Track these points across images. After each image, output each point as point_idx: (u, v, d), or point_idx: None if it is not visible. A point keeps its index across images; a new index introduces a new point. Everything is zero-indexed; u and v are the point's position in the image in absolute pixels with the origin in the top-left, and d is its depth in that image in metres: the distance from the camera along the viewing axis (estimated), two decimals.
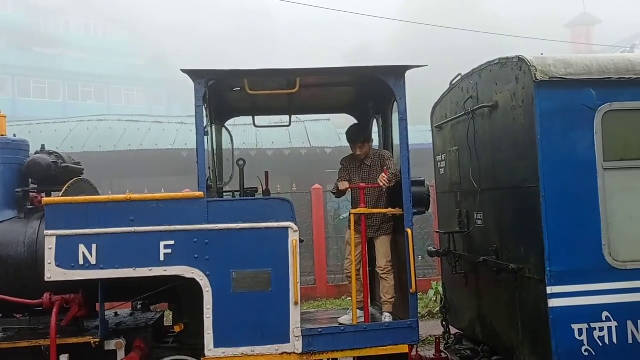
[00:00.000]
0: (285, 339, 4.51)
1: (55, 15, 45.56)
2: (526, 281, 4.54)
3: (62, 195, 4.75)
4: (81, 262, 4.42)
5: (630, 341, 4.30)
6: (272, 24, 49.42)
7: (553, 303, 4.22)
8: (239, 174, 5.46)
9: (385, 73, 4.79)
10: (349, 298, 5.45)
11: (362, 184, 5.06)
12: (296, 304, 4.51)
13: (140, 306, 5.59)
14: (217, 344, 4.45)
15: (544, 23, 35.44)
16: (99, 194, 5.34)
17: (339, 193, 5.26)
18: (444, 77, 6.31)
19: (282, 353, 4.51)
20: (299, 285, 4.54)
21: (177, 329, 4.94)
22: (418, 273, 5.22)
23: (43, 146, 5.35)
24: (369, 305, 5.14)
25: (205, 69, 4.59)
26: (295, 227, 4.58)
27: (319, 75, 5.12)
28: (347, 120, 6.11)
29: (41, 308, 4.73)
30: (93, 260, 4.42)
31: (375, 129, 6.13)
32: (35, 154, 5.22)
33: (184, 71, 4.57)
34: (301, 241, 4.76)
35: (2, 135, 5.22)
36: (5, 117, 5.41)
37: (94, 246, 4.43)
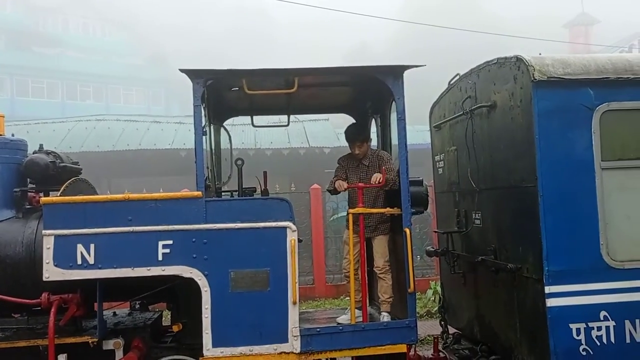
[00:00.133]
0: (284, 339, 4.51)
1: (53, 15, 45.55)
2: (524, 281, 4.55)
3: (60, 195, 4.75)
4: (79, 261, 4.41)
5: (628, 340, 4.31)
6: (270, 24, 49.44)
7: (551, 302, 4.22)
8: (238, 174, 5.46)
9: (384, 73, 4.78)
10: (348, 298, 5.46)
11: (360, 184, 5.06)
12: (294, 303, 4.51)
13: (138, 306, 5.58)
14: (216, 343, 4.45)
15: (542, 23, 35.49)
16: (97, 194, 5.34)
17: (335, 191, 5.26)
18: (443, 77, 6.31)
19: (281, 353, 4.51)
20: (297, 285, 4.54)
21: (175, 328, 4.94)
22: (416, 273, 5.22)
23: (41, 146, 5.34)
24: (367, 305, 5.15)
25: (204, 68, 4.58)
26: (294, 227, 4.58)
27: (317, 75, 5.12)
28: (345, 120, 6.12)
29: (39, 308, 4.72)
30: (91, 260, 4.42)
31: (373, 128, 6.13)
32: (33, 153, 5.21)
33: (182, 71, 4.57)
34: (300, 241, 4.76)
35: (0, 135, 5.22)
36: (4, 116, 5.40)
37: (92, 246, 4.42)
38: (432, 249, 6.55)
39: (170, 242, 4.46)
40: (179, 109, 37.80)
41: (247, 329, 4.49)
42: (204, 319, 4.45)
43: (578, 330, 4.27)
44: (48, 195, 5.02)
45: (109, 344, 4.74)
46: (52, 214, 4.47)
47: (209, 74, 4.61)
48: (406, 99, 4.79)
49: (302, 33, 47.22)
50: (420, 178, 5.26)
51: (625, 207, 4.41)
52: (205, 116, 5.19)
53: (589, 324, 4.28)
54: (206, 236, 4.49)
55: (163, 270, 4.46)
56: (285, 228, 4.56)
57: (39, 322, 4.78)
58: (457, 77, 5.82)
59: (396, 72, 4.76)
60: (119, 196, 4.59)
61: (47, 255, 4.41)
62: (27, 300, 4.69)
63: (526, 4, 43.71)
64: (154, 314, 5.46)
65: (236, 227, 4.52)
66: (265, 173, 5.79)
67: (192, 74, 4.58)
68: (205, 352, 4.45)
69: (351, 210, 4.98)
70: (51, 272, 4.41)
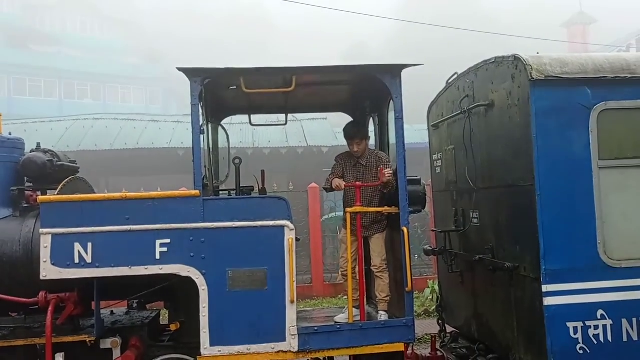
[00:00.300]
0: (281, 338, 4.51)
1: (51, 13, 45.45)
2: (522, 279, 4.55)
3: (57, 194, 4.74)
4: (77, 260, 4.40)
5: (625, 339, 4.32)
6: (269, 25, 49.42)
7: (548, 301, 4.23)
8: (235, 173, 5.46)
9: (382, 72, 4.79)
10: (345, 297, 5.46)
11: (358, 183, 5.06)
12: (292, 302, 4.52)
13: (136, 305, 5.57)
14: (213, 342, 4.45)
15: (540, 22, 35.51)
16: (94, 193, 5.33)
17: (331, 189, 5.26)
18: (442, 74, 6.31)
19: (278, 351, 4.51)
20: (295, 283, 4.54)
21: (173, 327, 4.94)
22: (414, 272, 5.23)
23: (39, 144, 5.34)
24: (365, 303, 5.15)
25: (202, 67, 4.58)
26: (292, 226, 4.59)
27: (315, 74, 5.11)
28: (344, 119, 6.11)
29: (37, 307, 4.72)
30: (89, 259, 4.41)
31: (371, 127, 6.13)
32: (30, 152, 5.21)
33: (180, 69, 4.56)
34: (297, 240, 4.76)
35: None
36: (1, 115, 5.40)
37: (89, 245, 4.42)
38: (430, 248, 6.56)
39: (168, 240, 4.46)
40: (177, 107, 37.80)
41: (245, 328, 4.49)
42: (201, 318, 4.45)
43: (575, 329, 4.27)
44: (45, 194, 5.01)
45: (106, 343, 4.74)
46: (50, 213, 4.47)
47: (206, 72, 4.61)
48: (404, 97, 4.79)
49: (300, 32, 47.22)
50: (418, 177, 5.26)
51: (623, 206, 4.42)
52: (203, 115, 5.19)
53: (586, 322, 4.29)
54: (204, 235, 4.49)
55: (161, 269, 4.46)
56: (283, 227, 4.56)
57: (37, 321, 4.77)
58: (455, 76, 5.82)
59: (394, 71, 4.76)
60: (117, 195, 4.58)
61: (45, 254, 4.40)
62: (25, 299, 4.69)
63: (524, 3, 43.75)
64: (151, 313, 5.46)
65: (234, 226, 4.52)
66: (263, 172, 5.79)
67: (190, 72, 4.58)
68: (202, 351, 4.45)
69: (349, 209, 4.98)
70: (48, 271, 4.40)
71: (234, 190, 5.55)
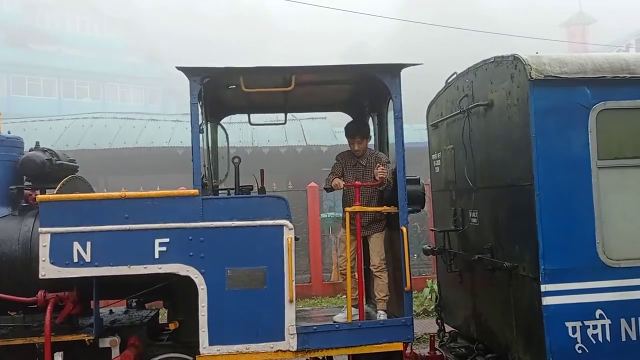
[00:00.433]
0: (280, 337, 4.51)
1: (50, 12, 45.40)
2: (520, 279, 4.56)
3: (56, 193, 4.74)
4: (76, 259, 4.40)
5: (623, 339, 4.32)
6: (269, 25, 49.40)
7: (547, 301, 4.23)
8: (235, 172, 5.45)
9: (381, 71, 4.78)
10: (344, 296, 5.46)
11: (357, 182, 5.06)
12: (291, 301, 4.52)
13: (134, 304, 5.57)
14: (212, 341, 4.45)
15: (539, 22, 35.52)
16: (93, 192, 5.33)
17: (331, 189, 5.26)
18: (441, 74, 6.31)
19: (277, 350, 4.51)
20: (294, 283, 4.54)
21: (172, 326, 4.94)
22: (413, 271, 5.23)
23: (37, 143, 5.33)
24: (364, 303, 5.15)
25: (201, 66, 4.58)
26: (291, 225, 4.59)
27: (314, 73, 5.11)
28: (343, 119, 6.12)
29: (35, 305, 4.72)
30: (87, 258, 4.41)
31: (370, 126, 6.12)
32: (29, 151, 5.21)
33: (179, 68, 4.56)
34: (296, 239, 4.76)
35: None
36: (0, 114, 5.39)
37: (88, 243, 4.41)
38: (429, 247, 6.56)
39: (167, 240, 4.46)
40: (176, 107, 37.76)
41: (244, 327, 4.49)
42: (200, 317, 4.45)
43: (574, 328, 4.28)
44: (44, 193, 5.01)
45: (105, 342, 4.73)
46: (49, 212, 4.46)
47: (206, 71, 4.61)
48: (403, 97, 4.79)
49: (300, 32, 47.20)
50: (417, 176, 5.26)
51: (621, 206, 4.42)
52: (202, 114, 5.19)
53: (584, 322, 4.29)
54: (203, 234, 4.49)
55: (160, 268, 4.46)
56: (282, 226, 4.56)
57: (35, 319, 4.77)
58: (455, 75, 5.83)
59: (393, 70, 4.75)
60: (116, 194, 4.58)
61: (44, 253, 4.40)
62: (24, 298, 4.69)
63: (524, 4, 43.75)
64: (150, 312, 5.46)
65: (233, 225, 4.52)
66: (262, 171, 5.79)
67: (189, 71, 4.57)
68: (201, 350, 4.45)
69: (348, 209, 4.98)
70: (47, 270, 4.40)
71: (233, 189, 5.54)
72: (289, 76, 4.79)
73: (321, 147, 16.84)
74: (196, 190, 4.53)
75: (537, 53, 4.58)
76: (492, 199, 5.07)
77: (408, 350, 5.22)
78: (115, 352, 4.73)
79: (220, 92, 5.45)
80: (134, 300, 5.53)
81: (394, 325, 4.73)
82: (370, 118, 6.13)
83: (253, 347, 4.48)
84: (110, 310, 5.51)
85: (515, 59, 4.51)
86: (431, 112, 6.57)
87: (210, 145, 5.82)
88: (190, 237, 4.48)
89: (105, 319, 5.15)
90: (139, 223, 4.46)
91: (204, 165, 5.20)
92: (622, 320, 4.33)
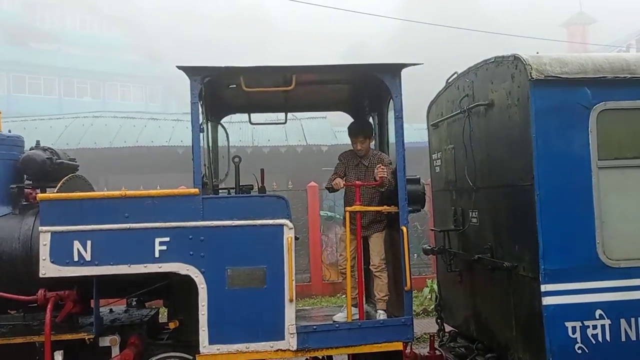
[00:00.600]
0: (280, 336, 4.51)
1: (50, 11, 45.41)
2: (520, 279, 4.56)
3: (57, 192, 4.74)
4: (76, 258, 4.40)
5: (623, 339, 4.33)
6: (268, 24, 49.39)
7: (547, 301, 4.24)
8: (235, 171, 5.45)
9: (382, 71, 4.78)
10: (344, 296, 5.46)
11: (357, 182, 5.06)
12: (291, 301, 4.52)
13: (135, 303, 5.58)
14: (212, 340, 4.45)
15: (540, 22, 35.52)
16: (94, 191, 5.33)
17: (333, 189, 5.26)
18: (441, 73, 6.31)
19: (277, 350, 4.51)
20: (294, 282, 4.54)
21: (172, 325, 4.94)
22: (413, 271, 5.23)
23: (38, 142, 5.33)
24: (364, 302, 5.15)
25: (201, 65, 4.58)
26: (291, 225, 4.59)
27: (315, 73, 5.11)
28: (343, 118, 6.12)
29: (35, 304, 4.72)
30: (88, 257, 4.41)
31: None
32: (30, 150, 5.20)
33: (179, 68, 4.56)
34: (296, 238, 4.76)
35: None
36: (0, 112, 5.39)
37: (88, 242, 4.41)
38: (429, 247, 6.56)
39: (167, 239, 4.46)
40: (177, 106, 37.76)
41: (244, 326, 4.49)
42: (200, 316, 4.45)
43: (574, 328, 4.28)
44: (45, 192, 5.01)
45: (105, 341, 4.73)
46: (49, 211, 4.46)
47: (206, 71, 4.60)
48: (404, 96, 4.79)
49: (300, 32, 47.21)
50: (418, 176, 5.26)
51: (622, 206, 4.42)
52: (202, 113, 5.19)
53: (584, 322, 4.30)
54: (203, 233, 4.49)
55: (160, 268, 4.46)
56: (282, 225, 4.56)
57: (35, 318, 4.77)
58: (455, 75, 5.83)
59: (394, 70, 4.75)
60: (116, 193, 4.58)
61: (44, 251, 4.40)
62: (24, 297, 4.69)
63: (524, 3, 43.75)
64: (150, 311, 5.46)
65: (233, 224, 4.52)
66: (262, 170, 5.79)
67: (190, 71, 4.57)
68: (201, 349, 4.45)
69: (348, 208, 4.98)
70: (48, 269, 4.40)
71: (233, 188, 5.54)
72: (289, 76, 4.79)
73: (321, 147, 16.85)
74: (196, 190, 4.53)
75: (537, 53, 4.59)
76: (492, 199, 5.07)
77: (408, 350, 5.22)
78: (115, 351, 4.73)
79: (220, 91, 5.45)
80: (134, 300, 5.53)
81: (394, 324, 4.73)
82: (371, 118, 6.13)
83: (253, 346, 4.48)
84: (111, 309, 5.52)
85: (516, 59, 4.51)
86: (431, 111, 6.57)
87: (210, 144, 5.82)
88: (190, 236, 4.48)
89: (106, 318, 5.15)
90: (139, 222, 4.46)
91: (205, 165, 5.20)
92: (622, 321, 4.33)
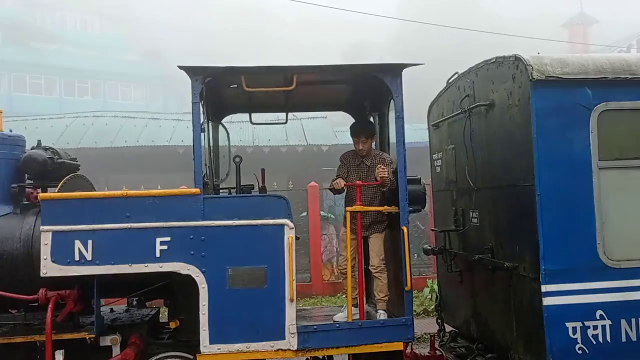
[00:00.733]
0: (281, 336, 4.52)
1: (51, 11, 45.41)
2: (521, 279, 4.56)
3: (58, 191, 4.74)
4: (77, 257, 4.41)
5: (623, 339, 4.33)
6: (268, 22, 49.38)
7: (547, 301, 4.24)
8: (236, 171, 5.46)
9: (382, 71, 4.79)
10: (345, 296, 5.46)
11: (358, 182, 5.06)
12: (291, 301, 4.52)
13: (135, 302, 5.58)
14: (213, 340, 4.46)
15: (541, 22, 35.50)
16: (95, 190, 5.33)
17: (336, 190, 5.26)
18: (442, 74, 6.31)
19: (277, 350, 4.52)
20: (294, 282, 4.54)
21: (172, 325, 4.95)
22: (414, 271, 5.23)
23: (39, 142, 5.34)
24: (364, 302, 5.15)
25: (203, 65, 4.58)
26: (291, 224, 4.59)
27: (315, 73, 5.11)
28: (344, 118, 6.12)
29: (37, 304, 4.72)
30: (89, 256, 4.42)
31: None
32: (31, 149, 5.21)
33: (181, 68, 4.56)
34: (297, 238, 4.76)
35: None
36: (1, 112, 5.39)
37: (89, 242, 4.42)
38: (429, 247, 6.57)
39: (168, 238, 4.46)
40: (177, 105, 37.70)
41: (244, 326, 4.49)
42: (201, 316, 4.45)
43: (574, 329, 4.28)
44: (46, 191, 5.01)
45: (106, 340, 4.73)
46: (50, 210, 4.47)
47: (207, 71, 4.61)
48: (404, 96, 4.79)
49: (300, 31, 47.18)
50: (418, 176, 5.26)
51: (622, 207, 4.43)
52: (203, 113, 5.18)
53: (585, 322, 4.30)
54: (204, 233, 4.49)
55: (160, 267, 4.47)
56: (282, 225, 4.57)
57: (36, 318, 4.78)
58: (456, 75, 5.83)
59: (395, 70, 4.76)
60: (117, 192, 4.59)
61: (45, 251, 4.41)
62: (25, 296, 4.69)
63: (525, 4, 43.71)
64: (151, 311, 5.46)
65: (234, 224, 4.53)
66: (263, 170, 5.79)
67: (191, 71, 4.58)
68: (202, 349, 4.45)
69: (348, 208, 4.98)
70: (49, 268, 4.40)
71: (234, 188, 5.54)
72: (290, 76, 4.80)
73: (322, 147, 16.86)
74: (197, 189, 4.54)
75: (538, 53, 4.59)
76: (492, 199, 5.07)
77: (408, 350, 5.22)
78: (116, 350, 4.73)
79: (221, 91, 5.46)
80: (134, 299, 5.53)
81: (394, 325, 4.73)
82: (372, 118, 6.13)
83: (253, 346, 4.49)
84: (111, 309, 5.52)
85: (517, 59, 4.52)
86: (432, 112, 6.57)
87: (211, 144, 5.83)
88: (191, 236, 4.48)
89: (106, 318, 5.15)
90: (140, 222, 4.47)
91: (205, 164, 5.20)
92: (623, 321, 4.33)
